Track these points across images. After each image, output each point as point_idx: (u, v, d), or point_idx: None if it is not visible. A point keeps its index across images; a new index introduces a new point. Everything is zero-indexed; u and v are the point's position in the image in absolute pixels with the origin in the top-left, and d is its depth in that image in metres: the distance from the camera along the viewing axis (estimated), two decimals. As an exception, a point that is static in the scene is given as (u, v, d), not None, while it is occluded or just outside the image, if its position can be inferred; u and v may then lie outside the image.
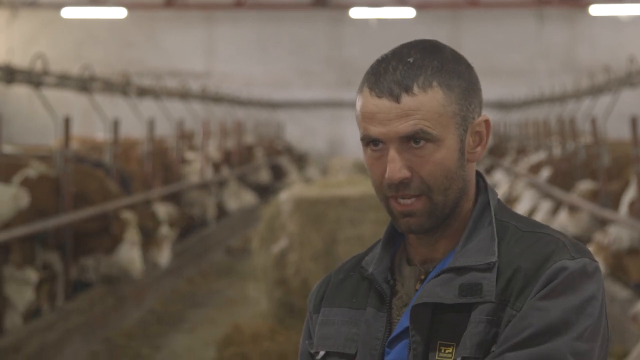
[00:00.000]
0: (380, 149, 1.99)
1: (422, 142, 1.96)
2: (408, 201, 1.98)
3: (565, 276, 1.91)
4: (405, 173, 1.96)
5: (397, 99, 1.96)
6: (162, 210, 10.11)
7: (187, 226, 13.67)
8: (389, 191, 1.98)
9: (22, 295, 7.88)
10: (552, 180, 12.31)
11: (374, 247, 2.16)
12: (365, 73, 2.03)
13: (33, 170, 8.64)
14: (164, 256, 9.92)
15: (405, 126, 1.95)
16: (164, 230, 9.95)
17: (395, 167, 1.96)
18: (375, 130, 1.97)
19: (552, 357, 1.86)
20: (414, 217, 1.99)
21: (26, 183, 8.50)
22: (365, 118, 1.99)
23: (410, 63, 1.97)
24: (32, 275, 7.94)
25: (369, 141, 2.00)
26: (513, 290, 1.93)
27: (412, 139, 1.96)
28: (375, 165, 2.00)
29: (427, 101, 1.96)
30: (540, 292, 1.91)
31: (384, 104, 1.96)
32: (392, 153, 1.96)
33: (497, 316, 1.92)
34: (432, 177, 1.97)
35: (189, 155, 14.93)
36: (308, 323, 2.19)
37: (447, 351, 1.94)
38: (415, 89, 1.96)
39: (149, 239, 9.65)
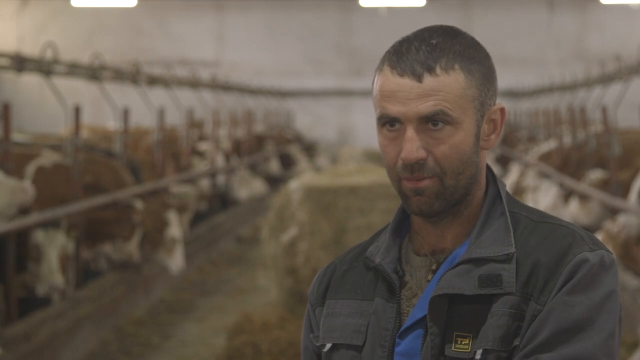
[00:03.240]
0: (396, 130, 1.98)
1: (440, 125, 1.96)
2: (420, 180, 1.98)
3: (587, 270, 1.92)
4: (422, 153, 1.96)
5: (419, 79, 1.95)
6: (173, 214, 9.98)
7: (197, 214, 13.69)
8: (402, 172, 1.98)
9: (54, 241, 7.90)
10: (561, 169, 12.29)
11: (377, 237, 2.15)
12: (385, 52, 2.02)
13: (46, 159, 8.66)
14: (175, 261, 9.72)
15: (425, 106, 1.95)
16: (173, 232, 9.78)
17: (413, 147, 1.95)
18: (394, 109, 1.97)
19: (585, 359, 1.88)
20: (423, 197, 1.98)
21: (41, 172, 8.52)
22: (385, 97, 1.98)
23: (433, 45, 1.97)
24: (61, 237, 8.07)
25: (385, 121, 1.99)
26: (536, 285, 1.93)
27: (431, 121, 1.96)
28: (390, 146, 1.99)
29: (448, 83, 1.96)
30: (563, 286, 1.91)
31: (405, 83, 1.96)
32: (410, 133, 1.96)
33: (520, 309, 1.92)
34: (447, 160, 1.96)
35: (202, 145, 14.92)
36: (309, 317, 2.18)
37: (463, 342, 1.93)
38: (438, 69, 1.95)
39: (155, 239, 9.57)
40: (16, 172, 7.84)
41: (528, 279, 1.93)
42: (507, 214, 2.02)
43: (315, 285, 2.19)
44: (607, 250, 1.97)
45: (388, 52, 2.01)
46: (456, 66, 1.97)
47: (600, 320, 1.90)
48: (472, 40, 2.03)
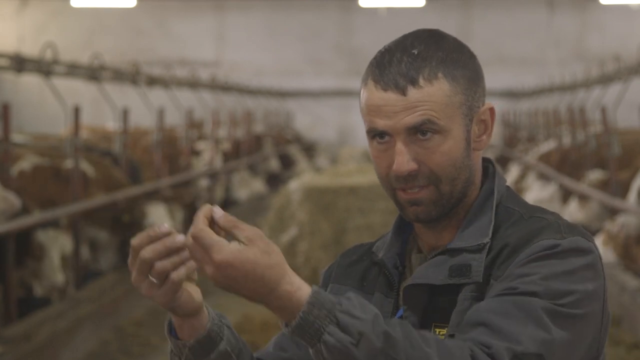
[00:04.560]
0: (386, 142, 1.98)
1: (429, 134, 1.96)
2: (416, 190, 1.98)
3: (549, 251, 1.89)
4: (413, 165, 1.96)
5: (403, 92, 1.95)
6: (160, 210, 9.91)
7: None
8: (396, 183, 1.98)
9: (56, 240, 7.95)
10: (560, 169, 12.30)
11: (386, 234, 2.16)
12: (368, 65, 2.02)
13: (27, 162, 8.67)
14: None
15: (411, 117, 1.95)
16: (154, 223, 9.69)
17: (403, 159, 1.95)
18: (382, 123, 1.97)
19: (522, 307, 1.83)
20: (421, 206, 1.99)
21: (22, 176, 8.54)
22: (371, 111, 1.98)
23: (415, 55, 1.96)
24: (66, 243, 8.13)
25: (375, 134, 1.99)
26: (497, 264, 1.92)
27: (419, 131, 1.96)
28: (381, 158, 2.00)
29: (433, 92, 1.95)
30: (523, 260, 1.89)
31: (389, 97, 1.96)
32: (400, 146, 1.96)
33: (481, 292, 1.91)
34: (440, 168, 1.97)
35: (200, 144, 14.93)
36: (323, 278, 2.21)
37: (441, 333, 1.94)
38: (421, 81, 1.95)
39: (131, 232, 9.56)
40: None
41: (493, 262, 1.93)
42: (494, 209, 2.01)
43: (327, 267, 2.22)
44: (586, 238, 1.94)
45: (371, 64, 2.01)
46: (439, 74, 1.96)
47: (558, 287, 1.85)
48: (455, 42, 2.02)
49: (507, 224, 1.99)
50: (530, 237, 1.93)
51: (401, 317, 2.01)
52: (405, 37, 2.01)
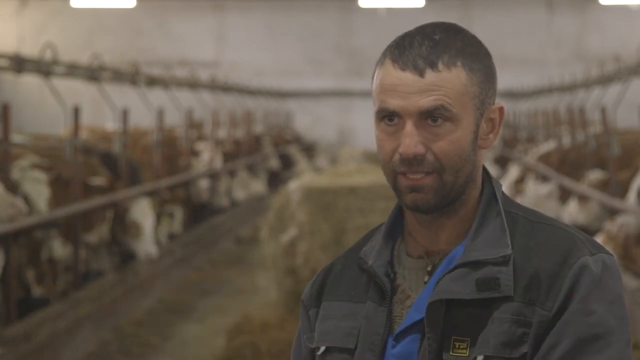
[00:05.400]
0: (395, 124, 1.96)
1: (439, 121, 1.94)
2: (418, 176, 1.96)
3: (593, 277, 1.92)
4: (421, 149, 1.94)
5: (421, 73, 1.94)
6: (142, 204, 9.91)
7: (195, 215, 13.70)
8: (400, 166, 1.96)
9: (40, 193, 8.19)
10: (560, 169, 12.30)
11: (371, 236, 2.13)
12: (387, 46, 2.01)
13: (26, 161, 8.69)
14: (142, 248, 9.64)
15: (426, 101, 1.94)
16: (134, 217, 9.72)
17: (412, 142, 1.94)
18: (394, 103, 1.95)
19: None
20: (420, 193, 1.96)
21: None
22: (385, 90, 1.97)
23: (436, 40, 1.96)
24: (41, 175, 8.39)
25: (384, 115, 1.97)
26: (539, 291, 1.92)
27: (430, 116, 1.94)
28: (387, 141, 1.98)
29: (450, 79, 1.95)
30: (569, 291, 1.91)
31: (407, 77, 1.95)
32: (409, 127, 1.94)
33: (524, 315, 1.91)
34: (446, 156, 1.95)
35: (200, 145, 14.93)
36: (302, 318, 2.16)
37: (461, 347, 1.92)
38: (440, 65, 1.95)
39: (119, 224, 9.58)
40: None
41: (529, 285, 1.92)
42: (503, 214, 2.00)
43: (308, 288, 2.18)
44: (607, 253, 1.97)
45: (390, 45, 2.00)
46: (458, 63, 1.96)
47: (617, 327, 1.90)
48: (474, 38, 2.02)
49: (518, 230, 1.99)
50: (562, 259, 1.93)
51: (407, 328, 1.98)
52: (424, 26, 2.01)
